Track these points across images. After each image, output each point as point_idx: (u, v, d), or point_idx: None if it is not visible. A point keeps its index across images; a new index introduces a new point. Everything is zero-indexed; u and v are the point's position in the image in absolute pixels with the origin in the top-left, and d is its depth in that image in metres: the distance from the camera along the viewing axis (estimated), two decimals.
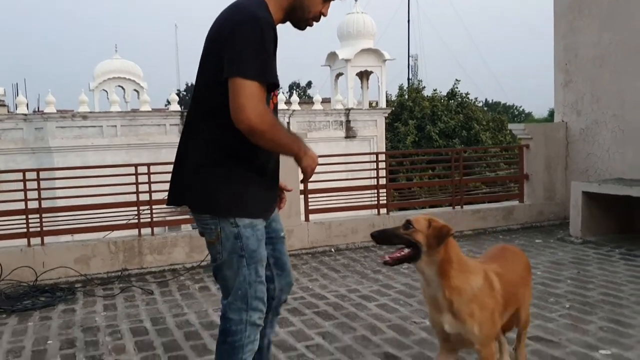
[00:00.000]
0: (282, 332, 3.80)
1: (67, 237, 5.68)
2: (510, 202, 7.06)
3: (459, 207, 6.73)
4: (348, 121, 23.40)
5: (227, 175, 2.27)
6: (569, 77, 6.99)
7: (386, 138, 25.28)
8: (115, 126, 20.13)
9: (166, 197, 2.44)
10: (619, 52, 6.39)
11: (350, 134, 23.31)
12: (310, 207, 6.17)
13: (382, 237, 2.43)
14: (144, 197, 5.47)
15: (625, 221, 6.15)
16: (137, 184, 5.41)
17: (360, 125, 23.49)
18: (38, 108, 24.02)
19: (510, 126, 7.78)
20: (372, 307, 4.29)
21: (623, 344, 3.42)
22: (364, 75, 25.95)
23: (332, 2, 2.38)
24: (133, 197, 5.44)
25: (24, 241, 5.07)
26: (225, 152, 2.27)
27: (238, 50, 2.13)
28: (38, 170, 5.16)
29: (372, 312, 4.17)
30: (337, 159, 6.79)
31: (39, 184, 5.09)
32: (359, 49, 24.50)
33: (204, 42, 2.32)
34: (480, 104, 39.72)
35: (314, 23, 2.40)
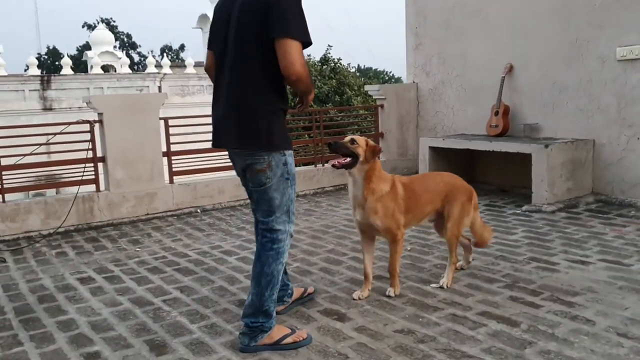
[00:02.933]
0: (140, 289, 3.87)
1: None
2: None
3: (321, 165, 7.05)
4: None
5: (277, 119, 2.85)
6: (419, 39, 7.47)
7: None
8: None
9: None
10: (461, 15, 6.93)
11: None
12: (175, 170, 6.19)
13: (335, 147, 3.33)
14: None
15: (468, 172, 6.75)
16: None
17: None
18: None
19: (366, 87, 8.19)
20: (233, 260, 4.46)
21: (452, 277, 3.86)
22: None
23: None
24: None
25: None
26: (272, 101, 2.83)
27: (285, 17, 2.68)
28: None
29: (232, 265, 4.34)
30: (202, 119, 6.82)
31: None
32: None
33: (232, 11, 2.83)
34: (353, 70, 40.67)
35: None
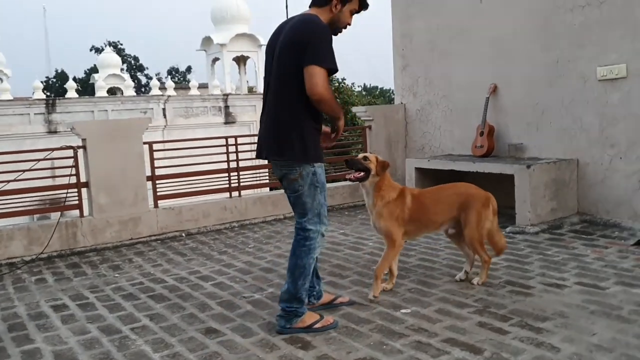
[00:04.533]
0: (111, 317, 3.86)
1: None
2: None
3: None
4: (227, 107, 23.27)
5: (309, 135, 3.32)
6: (406, 61, 7.49)
7: None
8: None
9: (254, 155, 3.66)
10: (445, 37, 6.95)
11: (229, 120, 23.22)
12: (159, 193, 6.21)
13: (351, 164, 3.86)
14: None
15: None
16: None
17: (239, 110, 23.46)
18: None
19: (353, 109, 8.21)
20: (208, 286, 4.44)
21: (423, 302, 3.82)
22: (240, 60, 25.89)
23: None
24: None
25: None
26: (305, 120, 3.30)
27: (316, 49, 3.19)
28: None
29: (207, 291, 4.32)
30: (187, 143, 6.86)
31: None
32: (233, 34, 24.35)
33: (276, 46, 3.38)
34: (359, 89, 40.77)
35: (343, 30, 3.51)
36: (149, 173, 6.09)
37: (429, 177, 6.51)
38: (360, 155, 3.92)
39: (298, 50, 3.21)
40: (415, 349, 3.11)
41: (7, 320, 3.90)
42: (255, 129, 22.85)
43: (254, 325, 3.57)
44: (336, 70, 3.25)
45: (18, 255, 5.35)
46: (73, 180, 5.65)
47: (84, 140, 5.70)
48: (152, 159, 6.09)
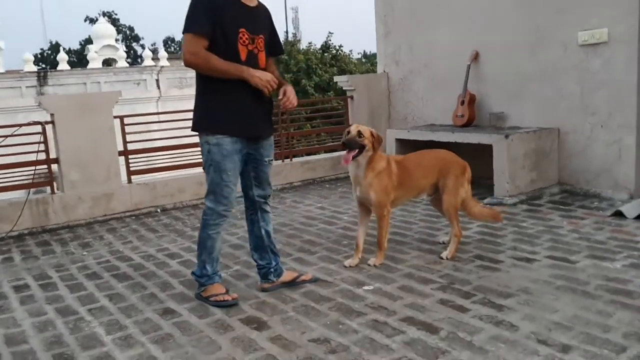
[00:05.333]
0: (70, 297, 3.79)
1: None
2: (339, 152, 7.34)
3: (288, 159, 6.92)
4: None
5: (202, 105, 3.38)
6: (388, 28, 7.28)
7: None
8: None
9: None
10: (426, 3, 6.73)
11: None
12: (133, 169, 6.09)
13: (348, 144, 3.77)
14: None
15: None
16: None
17: None
18: None
19: (335, 78, 8.01)
20: (174, 264, 4.36)
21: (387, 278, 3.73)
22: None
23: None
24: None
25: None
26: (202, 88, 3.36)
27: (187, 13, 3.24)
28: None
29: (172, 269, 4.24)
30: (165, 116, 6.73)
31: None
32: None
33: None
34: (359, 56, 40.26)
35: None
36: (121, 148, 5.96)
37: (410, 147, 6.32)
38: (354, 131, 3.79)
39: None
40: (371, 329, 3.02)
41: None
42: None
43: (214, 309, 3.49)
44: (200, 31, 3.19)
45: None
46: (42, 156, 5.53)
47: (52, 115, 5.56)
48: (123, 134, 5.96)
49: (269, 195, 3.66)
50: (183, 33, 3.25)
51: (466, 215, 4.26)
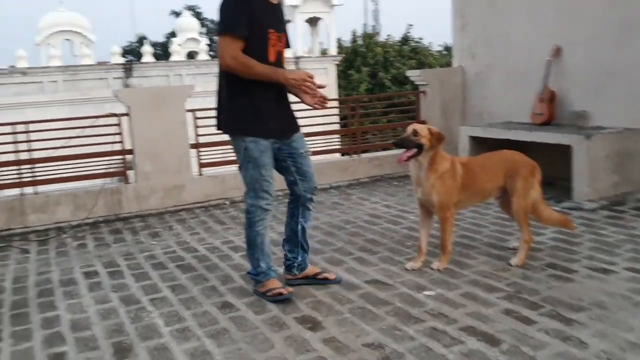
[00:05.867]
0: (135, 286, 3.88)
1: None
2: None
3: (356, 155, 6.83)
4: (298, 69, 23.16)
5: (238, 107, 3.34)
6: (464, 20, 7.01)
7: (340, 86, 25.14)
8: (56, 81, 19.66)
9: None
10: None
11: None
12: (203, 162, 6.20)
13: (401, 144, 3.64)
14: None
15: None
16: (16, 142, 5.36)
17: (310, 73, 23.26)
18: None
19: (407, 73, 7.80)
20: (237, 257, 4.39)
21: (450, 284, 3.59)
22: (313, 22, 25.58)
23: None
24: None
25: None
26: (236, 90, 3.32)
27: (220, 14, 3.22)
28: None
29: (234, 263, 4.27)
30: None
31: None
32: None
33: None
34: (440, 48, 39.45)
35: None
36: (193, 141, 6.07)
37: (484, 146, 6.09)
38: (409, 130, 3.65)
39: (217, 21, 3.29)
40: (428, 337, 2.91)
41: (39, 285, 4.01)
42: (327, 92, 22.61)
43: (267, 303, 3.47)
44: (239, 34, 3.16)
45: (65, 219, 5.51)
46: (118, 147, 5.73)
47: (128, 107, 5.73)
48: (195, 127, 6.06)
49: (316, 188, 3.62)
50: (219, 34, 3.21)
51: (535, 219, 4.02)
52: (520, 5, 6.28)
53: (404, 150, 3.68)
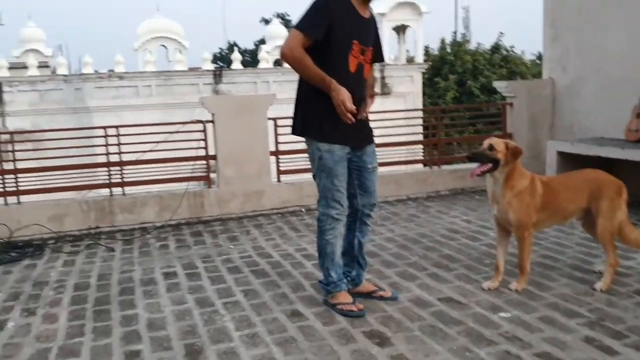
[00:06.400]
0: (210, 289, 3.99)
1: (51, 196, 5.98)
2: None
3: (436, 166, 6.70)
4: (383, 77, 23.03)
5: (314, 113, 3.39)
6: (556, 31, 6.72)
7: (426, 94, 24.82)
8: (150, 86, 20.58)
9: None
10: (600, 3, 6.10)
11: (385, 91, 22.95)
12: (282, 169, 6.29)
13: (474, 159, 3.56)
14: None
15: None
16: (107, 145, 5.66)
17: (395, 81, 23.02)
18: (80, 69, 24.74)
19: (494, 84, 7.56)
20: (309, 265, 4.41)
21: (528, 306, 3.44)
22: (400, 30, 25.42)
23: None
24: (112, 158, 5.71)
25: (1, 200, 5.44)
26: (312, 96, 3.35)
27: (303, 13, 3.27)
28: (11, 133, 5.50)
29: (306, 271, 4.29)
30: None
31: (13, 147, 5.43)
32: (394, 2, 23.91)
33: None
34: (533, 57, 38.19)
35: None
36: (273, 148, 6.18)
37: (573, 162, 5.81)
38: (485, 145, 3.54)
39: None
40: None
41: (122, 283, 4.21)
42: (412, 100, 22.43)
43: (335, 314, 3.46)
44: (310, 34, 3.19)
45: (150, 220, 5.76)
46: (202, 152, 5.92)
47: (212, 114, 5.92)
48: (276, 134, 6.16)
49: (374, 204, 3.62)
50: (294, 27, 3.28)
51: (620, 241, 3.77)
52: (616, 15, 5.95)
53: (477, 164, 3.57)
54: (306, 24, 3.23)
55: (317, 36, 3.21)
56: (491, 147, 3.50)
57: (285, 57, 3.24)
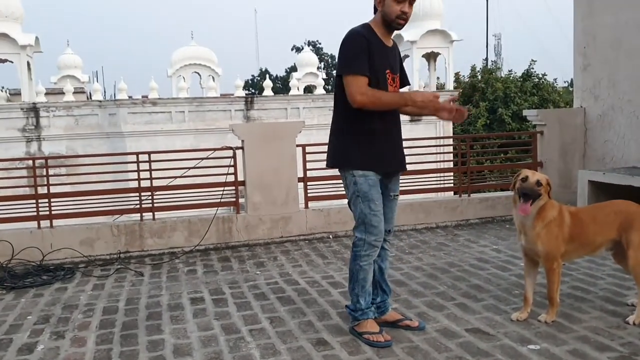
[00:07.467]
0: (236, 315, 4.00)
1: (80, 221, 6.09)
2: None
3: (466, 195, 6.65)
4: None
5: (348, 142, 3.44)
6: (587, 60, 6.68)
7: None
8: (183, 112, 20.95)
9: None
10: (634, 33, 6.05)
11: (414, 118, 22.94)
12: (310, 195, 6.32)
13: (528, 193, 3.47)
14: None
15: None
16: (138, 171, 5.77)
17: None
18: (114, 95, 25.37)
19: (524, 112, 7.50)
20: (335, 293, 4.39)
21: (558, 339, 3.36)
22: (431, 57, 25.48)
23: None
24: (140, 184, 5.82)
25: (34, 224, 5.57)
26: (348, 126, 3.42)
27: (343, 55, 3.33)
28: (46, 158, 5.67)
29: (332, 299, 4.27)
30: None
31: (47, 171, 5.58)
32: (424, 30, 24.02)
33: None
34: (565, 84, 37.89)
35: (403, 22, 3.32)
36: (301, 174, 6.22)
37: (605, 192, 5.73)
38: (532, 179, 3.52)
39: (338, 62, 3.40)
40: None
41: (149, 308, 4.25)
42: (442, 127, 22.35)
43: (362, 343, 3.43)
44: (363, 72, 3.23)
45: (179, 245, 5.82)
46: (231, 178, 5.99)
47: (242, 141, 6.00)
48: (304, 161, 6.21)
49: (390, 231, 3.62)
50: (345, 74, 3.28)
51: None
52: None
53: (522, 200, 3.51)
54: (355, 66, 3.26)
55: (368, 73, 3.26)
56: (538, 183, 3.51)
57: (363, 103, 3.25)
